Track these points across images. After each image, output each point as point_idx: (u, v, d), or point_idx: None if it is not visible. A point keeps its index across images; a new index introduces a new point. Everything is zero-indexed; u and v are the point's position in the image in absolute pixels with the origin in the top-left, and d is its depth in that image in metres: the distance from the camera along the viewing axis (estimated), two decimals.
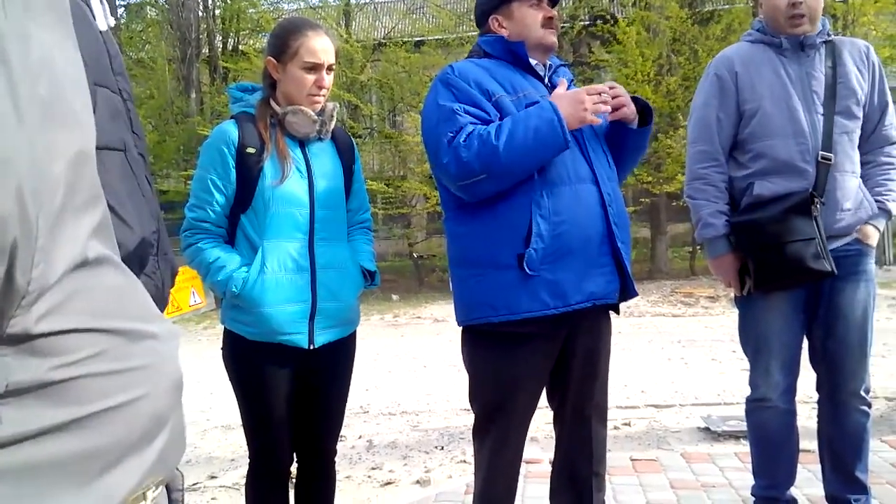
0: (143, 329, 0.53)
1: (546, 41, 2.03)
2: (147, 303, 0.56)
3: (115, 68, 1.02)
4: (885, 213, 2.27)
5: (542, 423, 3.93)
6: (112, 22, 1.07)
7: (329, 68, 1.98)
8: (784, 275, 2.19)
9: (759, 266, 2.23)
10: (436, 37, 15.03)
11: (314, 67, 1.95)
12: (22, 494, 0.43)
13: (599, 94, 1.88)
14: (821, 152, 2.19)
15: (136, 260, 0.95)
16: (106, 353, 0.49)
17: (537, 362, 1.95)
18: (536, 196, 1.86)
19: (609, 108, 1.92)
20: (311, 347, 1.94)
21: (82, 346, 0.48)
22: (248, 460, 2.02)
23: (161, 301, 1.08)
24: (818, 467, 2.41)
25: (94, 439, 0.48)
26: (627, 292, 1.99)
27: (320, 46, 1.95)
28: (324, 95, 1.98)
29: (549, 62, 2.08)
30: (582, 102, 1.84)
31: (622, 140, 2.06)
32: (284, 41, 1.95)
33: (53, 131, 0.45)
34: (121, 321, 0.51)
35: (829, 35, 2.29)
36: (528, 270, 1.83)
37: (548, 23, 2.03)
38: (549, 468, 2.17)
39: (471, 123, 1.86)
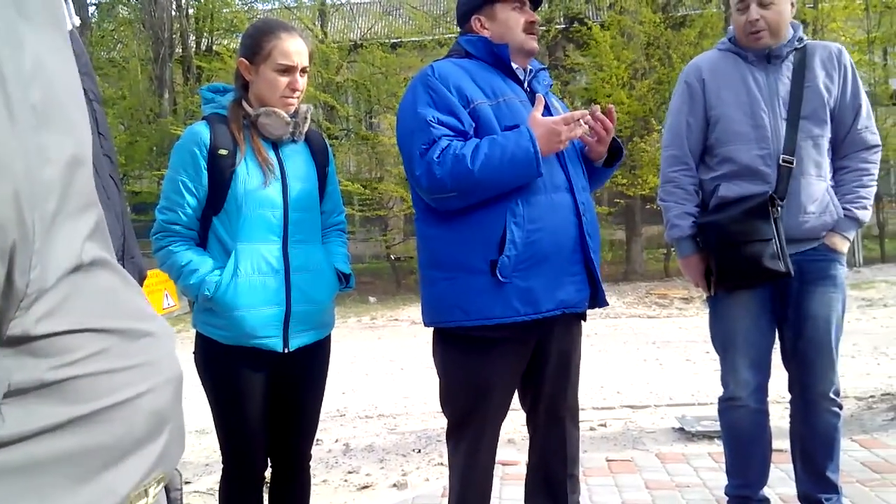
0: (140, 328, 0.55)
1: (527, 46, 2.03)
2: (142, 302, 0.57)
3: (79, 68, 1.00)
4: (853, 220, 2.27)
5: (518, 424, 3.94)
6: (77, 21, 1.05)
7: (303, 70, 1.96)
8: (742, 274, 2.25)
9: (720, 265, 2.29)
10: (412, 38, 15.02)
11: (287, 70, 1.93)
12: (24, 492, 0.45)
13: (577, 120, 1.88)
14: (782, 156, 2.23)
15: None
16: (104, 352, 0.50)
17: (508, 367, 1.96)
18: (511, 203, 1.86)
19: (585, 130, 1.93)
20: (286, 351, 1.92)
21: (80, 346, 0.49)
22: (222, 465, 1.99)
23: None
24: (791, 467, 2.44)
25: (94, 437, 0.49)
26: (598, 300, 2.01)
27: (294, 48, 1.93)
28: (297, 98, 1.96)
29: (529, 66, 2.08)
30: (559, 135, 1.85)
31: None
32: (257, 42, 1.93)
33: (47, 136, 0.45)
34: (117, 321, 0.53)
35: (800, 41, 2.32)
36: (500, 277, 1.84)
37: (530, 27, 2.03)
38: (525, 470, 2.17)
39: (445, 137, 1.85)
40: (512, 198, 1.86)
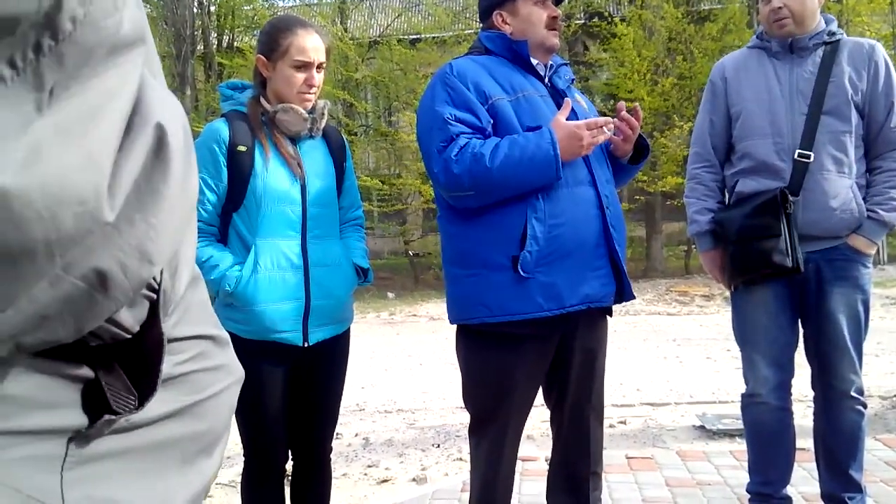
0: (222, 334, 0.66)
1: (549, 42, 2.02)
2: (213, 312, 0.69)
3: None
4: (881, 223, 2.22)
5: (538, 421, 3.93)
6: None
7: (319, 67, 1.96)
8: (751, 269, 2.26)
9: (732, 260, 2.30)
10: (432, 34, 15.01)
11: (304, 66, 1.93)
12: (148, 469, 0.54)
13: (600, 127, 1.86)
14: (798, 151, 2.20)
15: None
16: (204, 353, 0.62)
17: (532, 363, 1.95)
18: (532, 198, 1.85)
19: (607, 137, 1.92)
20: (306, 345, 1.93)
21: (191, 347, 0.60)
22: (243, 458, 2.01)
23: None
24: (814, 465, 2.41)
25: (196, 424, 0.59)
26: (624, 294, 1.99)
27: (311, 45, 1.94)
28: (314, 94, 1.97)
29: (550, 62, 2.07)
30: (581, 139, 1.83)
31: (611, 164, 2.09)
32: (274, 39, 1.94)
33: (195, 172, 0.56)
34: (211, 328, 0.64)
35: (831, 35, 2.27)
36: (522, 273, 1.83)
37: (552, 23, 2.01)
38: (545, 466, 2.18)
39: (462, 134, 1.85)
40: (533, 193, 1.85)
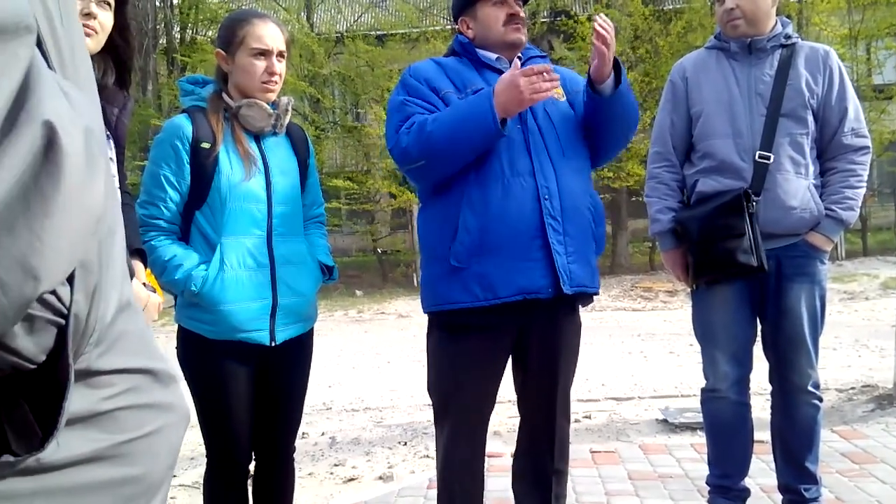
0: (163, 368, 0.61)
1: (508, 38, 2.02)
2: (156, 345, 0.63)
3: None
4: (837, 221, 2.27)
5: (504, 416, 3.96)
6: None
7: (280, 56, 1.95)
8: (717, 268, 2.28)
9: (696, 259, 2.33)
10: (400, 31, 14.96)
11: (263, 53, 1.92)
12: None
13: (539, 73, 1.80)
14: (759, 151, 2.25)
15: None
16: (138, 388, 0.56)
17: (484, 353, 1.99)
18: (468, 189, 1.90)
19: (551, 89, 1.84)
20: (273, 344, 1.92)
21: (122, 381, 0.54)
22: (206, 459, 1.99)
23: None
24: (772, 458, 2.47)
25: (126, 468, 0.54)
26: (566, 287, 1.89)
27: (267, 32, 1.93)
28: (276, 82, 1.95)
29: (520, 56, 2.05)
30: (517, 86, 1.79)
31: (600, 111, 1.98)
32: (231, 31, 1.94)
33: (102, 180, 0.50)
34: (148, 360, 0.59)
35: (788, 38, 2.32)
36: (455, 263, 1.89)
37: (510, 19, 2.01)
38: (511, 462, 2.19)
39: (417, 113, 1.91)
40: (469, 184, 1.90)
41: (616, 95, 1.97)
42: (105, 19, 1.59)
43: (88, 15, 1.53)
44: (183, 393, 0.63)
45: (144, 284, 1.71)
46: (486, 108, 1.81)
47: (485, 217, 1.88)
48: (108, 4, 1.60)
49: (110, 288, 0.52)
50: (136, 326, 0.58)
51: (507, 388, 2.09)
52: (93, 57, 1.55)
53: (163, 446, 0.58)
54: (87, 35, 1.52)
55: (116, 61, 1.64)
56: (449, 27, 14.15)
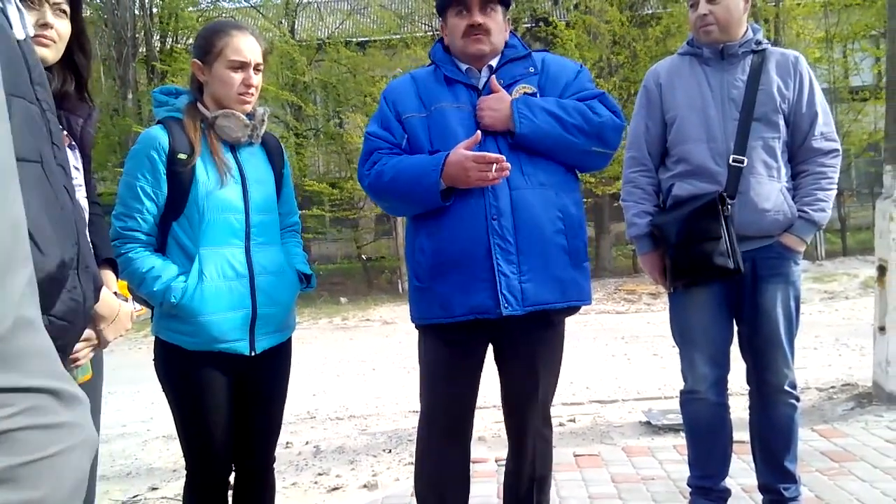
0: (67, 389, 0.57)
1: (468, 50, 2.01)
2: (62, 365, 0.60)
3: (34, 78, 0.98)
4: (810, 223, 2.31)
5: (490, 422, 3.97)
6: (31, 31, 1.03)
7: (257, 68, 1.95)
8: (693, 271, 2.31)
9: (673, 262, 2.35)
10: (381, 37, 14.97)
11: (241, 66, 1.92)
12: None
13: (489, 164, 1.82)
14: (732, 155, 2.28)
15: (54, 283, 0.91)
16: (37, 408, 0.53)
17: (458, 365, 2.04)
18: (422, 212, 1.99)
19: (498, 178, 1.85)
20: (253, 354, 1.92)
21: (18, 401, 0.51)
22: (186, 472, 1.98)
23: (83, 316, 1.04)
24: (752, 458, 2.50)
25: (25, 491, 0.50)
26: (530, 303, 1.88)
27: (245, 45, 1.93)
28: (252, 94, 1.95)
29: (491, 66, 2.04)
30: (465, 169, 1.85)
31: (532, 147, 1.96)
32: (209, 42, 1.93)
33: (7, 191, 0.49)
34: (50, 380, 0.55)
35: (758, 44, 2.36)
36: (416, 283, 1.99)
37: (469, 31, 1.98)
38: (495, 467, 2.21)
39: (378, 150, 2.02)
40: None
41: (533, 137, 1.93)
42: (62, 28, 1.56)
43: (45, 25, 1.49)
44: (89, 415, 0.60)
45: (116, 294, 1.70)
46: (434, 179, 1.89)
47: (437, 238, 1.94)
48: (65, 12, 1.56)
49: (3, 303, 0.50)
50: (40, 345, 0.56)
51: (491, 394, 2.10)
52: (51, 67, 1.54)
53: (66, 469, 0.55)
54: (45, 46, 1.49)
55: (75, 69, 1.62)
56: (430, 34, 14.20)
